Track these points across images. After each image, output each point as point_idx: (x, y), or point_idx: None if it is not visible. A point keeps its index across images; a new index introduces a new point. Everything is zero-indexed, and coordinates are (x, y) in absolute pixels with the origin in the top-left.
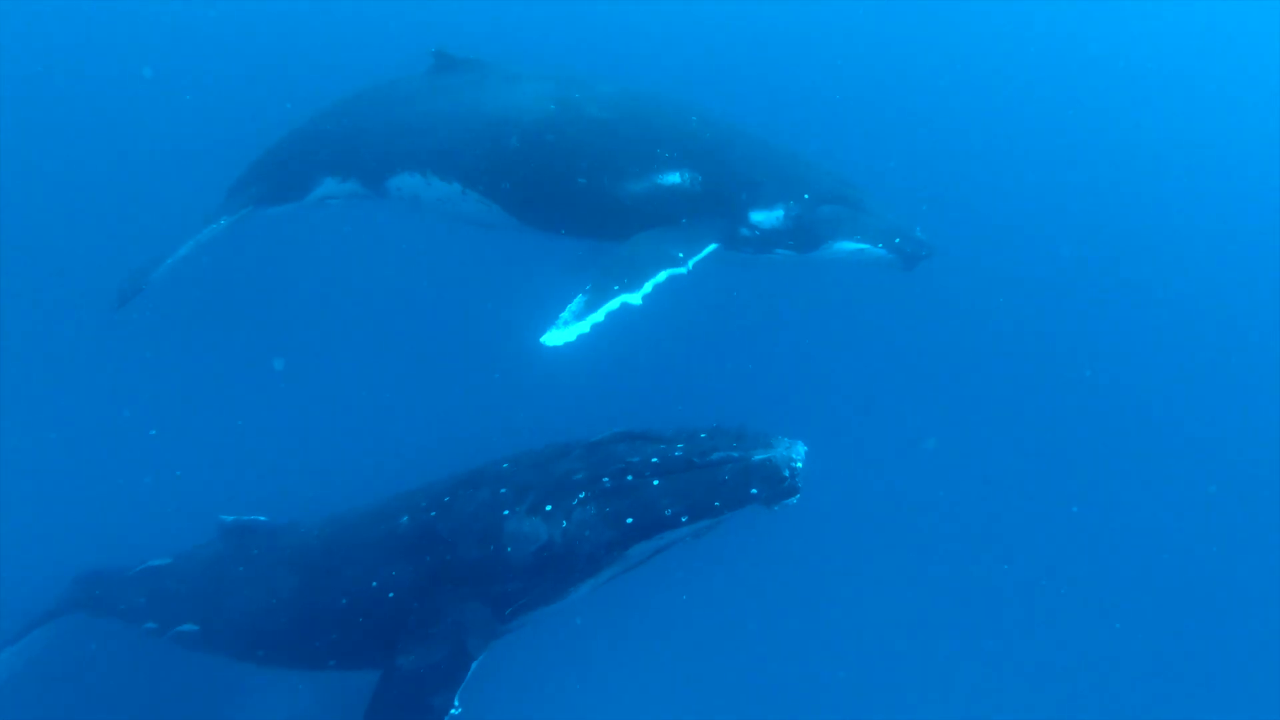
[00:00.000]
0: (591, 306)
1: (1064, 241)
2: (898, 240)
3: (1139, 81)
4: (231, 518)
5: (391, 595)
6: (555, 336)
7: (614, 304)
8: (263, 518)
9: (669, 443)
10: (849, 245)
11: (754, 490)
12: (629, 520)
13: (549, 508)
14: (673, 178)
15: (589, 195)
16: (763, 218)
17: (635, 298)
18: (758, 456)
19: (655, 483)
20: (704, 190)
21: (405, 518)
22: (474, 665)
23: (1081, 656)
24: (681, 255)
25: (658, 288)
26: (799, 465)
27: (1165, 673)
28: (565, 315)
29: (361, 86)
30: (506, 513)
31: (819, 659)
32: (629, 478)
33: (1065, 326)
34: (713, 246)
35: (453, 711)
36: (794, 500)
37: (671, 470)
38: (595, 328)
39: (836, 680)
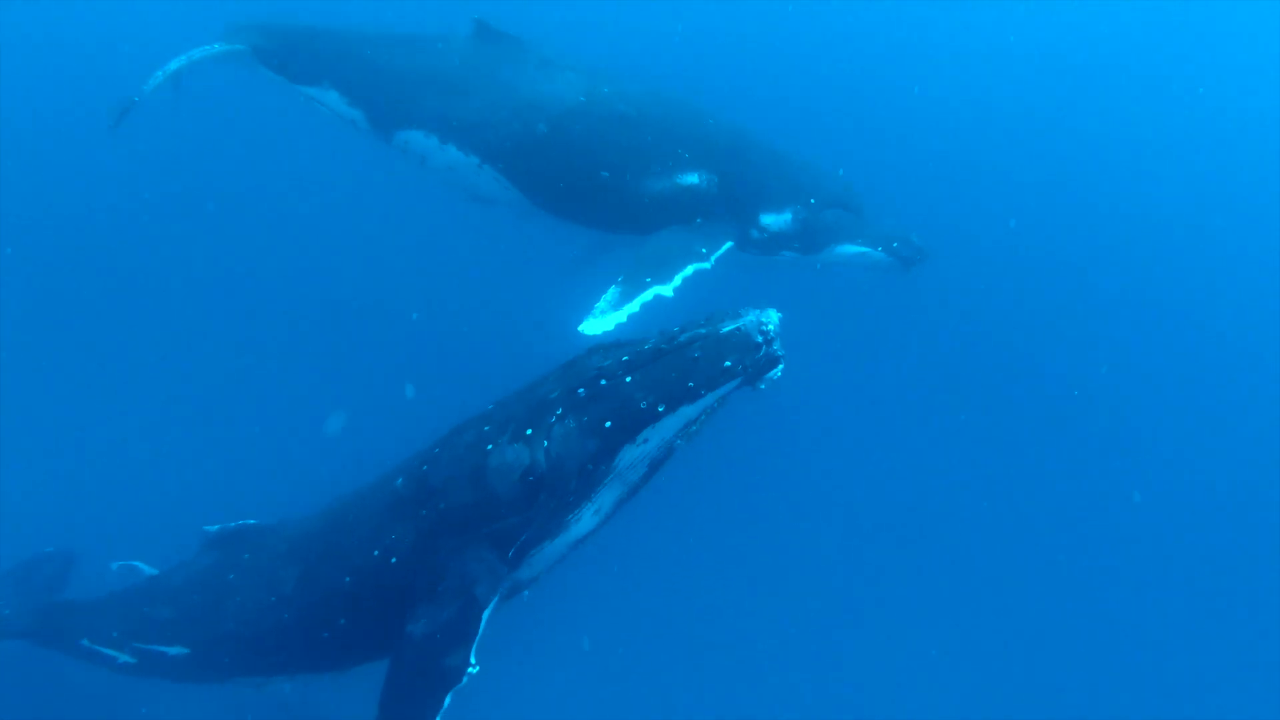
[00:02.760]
0: (626, 297)
1: (1057, 246)
2: (895, 244)
3: (1132, 86)
4: (216, 526)
5: (394, 560)
6: (593, 325)
7: (647, 295)
8: (251, 520)
9: (642, 342)
10: (850, 249)
11: (728, 363)
12: (608, 424)
13: (529, 432)
14: (691, 178)
15: (610, 188)
16: (771, 220)
17: (667, 289)
18: (726, 328)
19: (628, 380)
20: (719, 192)
21: (400, 480)
22: (485, 615)
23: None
24: (705, 251)
25: (685, 280)
26: (770, 329)
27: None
28: (601, 305)
29: (403, 30)
30: (490, 447)
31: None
32: (602, 382)
33: (1055, 328)
34: (729, 245)
35: (470, 670)
36: (777, 373)
37: (643, 364)
38: (631, 317)
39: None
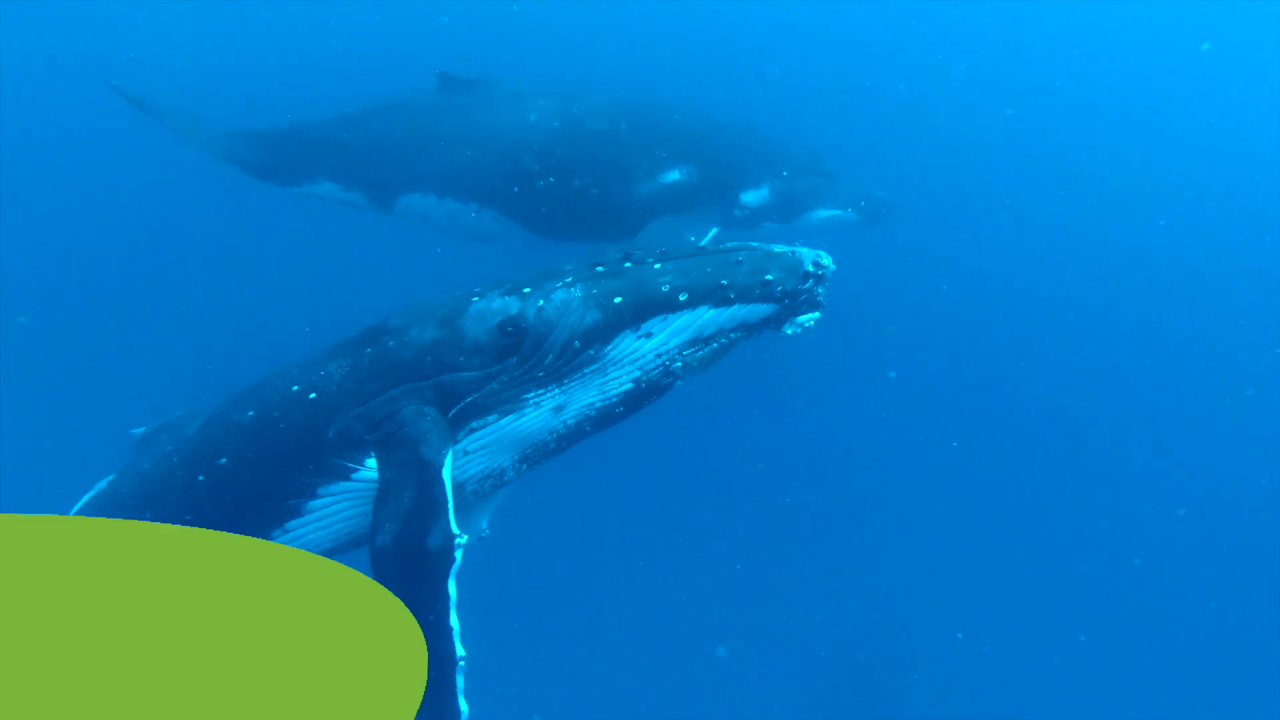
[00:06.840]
0: None
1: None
2: (863, 203)
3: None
4: (141, 429)
5: (313, 396)
6: None
7: None
8: (180, 412)
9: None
10: (823, 213)
11: (770, 276)
12: (617, 300)
13: (527, 290)
14: (673, 175)
15: (601, 203)
16: (751, 197)
17: None
18: (779, 248)
19: (656, 266)
20: (700, 181)
21: (359, 330)
22: (447, 477)
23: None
24: (693, 239)
25: None
26: (825, 266)
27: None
28: None
29: (369, 102)
30: (477, 297)
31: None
32: (627, 264)
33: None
34: (714, 230)
35: (459, 540)
36: (811, 321)
37: (679, 255)
38: None
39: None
